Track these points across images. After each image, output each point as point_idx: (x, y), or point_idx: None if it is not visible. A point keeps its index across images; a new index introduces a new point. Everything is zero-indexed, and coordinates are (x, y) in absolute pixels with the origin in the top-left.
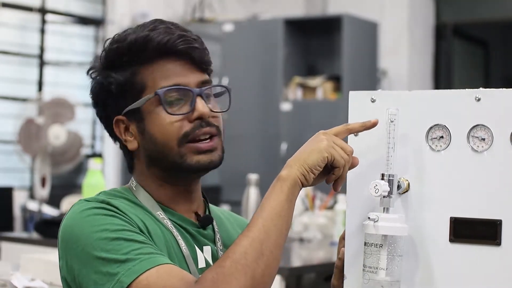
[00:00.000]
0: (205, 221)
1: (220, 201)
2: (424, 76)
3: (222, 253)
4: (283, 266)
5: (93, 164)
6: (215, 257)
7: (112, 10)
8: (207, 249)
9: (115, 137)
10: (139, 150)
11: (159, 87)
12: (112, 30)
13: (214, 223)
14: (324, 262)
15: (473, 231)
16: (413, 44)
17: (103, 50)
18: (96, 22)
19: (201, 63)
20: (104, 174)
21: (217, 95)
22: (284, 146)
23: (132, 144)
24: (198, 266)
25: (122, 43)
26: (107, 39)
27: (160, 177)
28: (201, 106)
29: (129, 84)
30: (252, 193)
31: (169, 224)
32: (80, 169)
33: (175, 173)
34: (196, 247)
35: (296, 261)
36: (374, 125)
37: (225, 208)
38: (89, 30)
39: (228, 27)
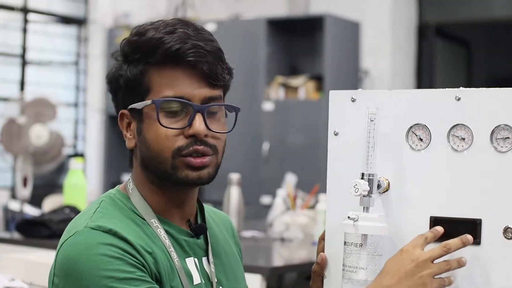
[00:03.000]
0: (199, 230)
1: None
2: (407, 76)
3: (213, 266)
4: (264, 266)
5: (75, 164)
6: (202, 269)
7: (95, 10)
8: (190, 260)
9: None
10: (136, 150)
11: (162, 95)
12: (94, 30)
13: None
14: (305, 262)
15: (453, 230)
16: (396, 44)
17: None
18: (78, 22)
19: (210, 77)
20: (85, 174)
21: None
22: (266, 146)
23: (130, 142)
24: (193, 283)
25: (140, 37)
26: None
27: (153, 182)
28: (198, 124)
29: (137, 82)
30: (234, 192)
31: (162, 233)
32: (62, 169)
33: (166, 181)
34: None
35: (277, 261)
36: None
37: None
38: (71, 30)
39: (211, 27)
